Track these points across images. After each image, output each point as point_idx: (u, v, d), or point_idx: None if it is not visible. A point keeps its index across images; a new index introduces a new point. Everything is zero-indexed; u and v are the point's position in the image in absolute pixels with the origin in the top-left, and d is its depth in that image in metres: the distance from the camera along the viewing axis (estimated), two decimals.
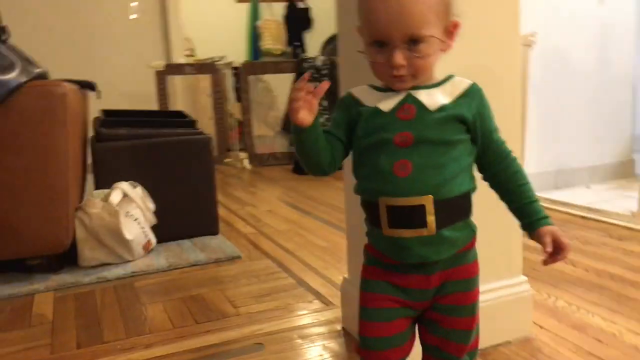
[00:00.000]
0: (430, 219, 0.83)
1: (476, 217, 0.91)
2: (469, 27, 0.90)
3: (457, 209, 0.86)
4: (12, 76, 1.92)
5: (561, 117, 3.11)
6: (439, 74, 0.89)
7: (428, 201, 0.82)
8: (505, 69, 1.39)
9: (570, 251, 0.86)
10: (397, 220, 0.84)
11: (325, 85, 0.85)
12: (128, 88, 4.24)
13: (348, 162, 0.96)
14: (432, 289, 0.88)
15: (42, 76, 2.04)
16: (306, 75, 0.86)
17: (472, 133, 0.87)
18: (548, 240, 0.85)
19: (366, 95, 0.90)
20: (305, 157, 0.90)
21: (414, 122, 0.84)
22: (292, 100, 0.85)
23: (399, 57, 0.81)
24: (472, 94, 0.87)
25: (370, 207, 0.88)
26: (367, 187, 0.88)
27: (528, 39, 2.91)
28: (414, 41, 0.81)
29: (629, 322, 1.51)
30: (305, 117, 0.85)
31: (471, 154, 0.88)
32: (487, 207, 0.93)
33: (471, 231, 0.89)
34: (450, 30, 0.86)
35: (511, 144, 0.92)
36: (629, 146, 3.30)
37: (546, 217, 0.88)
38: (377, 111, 0.87)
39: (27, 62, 2.03)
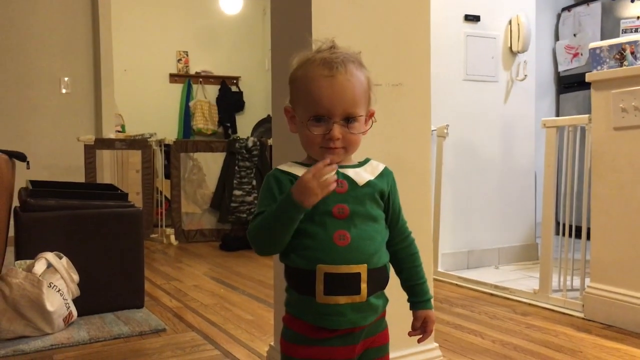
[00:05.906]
0: (364, 286, 0.93)
1: (391, 287, 1.01)
2: (386, 119, 1.05)
3: (381, 278, 0.98)
4: None
5: (473, 202, 3.38)
6: (356, 158, 1.02)
7: (363, 269, 0.93)
8: (417, 158, 1.58)
9: (430, 335, 1.07)
10: (332, 287, 0.92)
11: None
12: (56, 161, 4.21)
13: None
14: (355, 358, 0.97)
15: None
16: (327, 159, 0.91)
17: (386, 210, 1.00)
18: (417, 324, 1.05)
19: (295, 170, 0.97)
20: (278, 235, 0.92)
21: (347, 196, 0.96)
22: (324, 185, 0.88)
23: (337, 131, 0.94)
24: (387, 174, 1.02)
25: (303, 275, 0.94)
26: (304, 256, 0.93)
27: (442, 130, 3.20)
28: (348, 119, 0.94)
29: None
30: (316, 201, 0.89)
31: (387, 230, 1.01)
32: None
33: (386, 300, 1.01)
34: (369, 116, 1.01)
35: (422, 226, 1.07)
36: (533, 231, 3.60)
37: (428, 299, 1.05)
38: None
39: None
